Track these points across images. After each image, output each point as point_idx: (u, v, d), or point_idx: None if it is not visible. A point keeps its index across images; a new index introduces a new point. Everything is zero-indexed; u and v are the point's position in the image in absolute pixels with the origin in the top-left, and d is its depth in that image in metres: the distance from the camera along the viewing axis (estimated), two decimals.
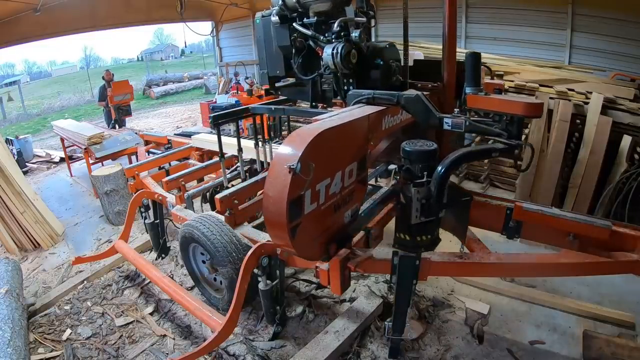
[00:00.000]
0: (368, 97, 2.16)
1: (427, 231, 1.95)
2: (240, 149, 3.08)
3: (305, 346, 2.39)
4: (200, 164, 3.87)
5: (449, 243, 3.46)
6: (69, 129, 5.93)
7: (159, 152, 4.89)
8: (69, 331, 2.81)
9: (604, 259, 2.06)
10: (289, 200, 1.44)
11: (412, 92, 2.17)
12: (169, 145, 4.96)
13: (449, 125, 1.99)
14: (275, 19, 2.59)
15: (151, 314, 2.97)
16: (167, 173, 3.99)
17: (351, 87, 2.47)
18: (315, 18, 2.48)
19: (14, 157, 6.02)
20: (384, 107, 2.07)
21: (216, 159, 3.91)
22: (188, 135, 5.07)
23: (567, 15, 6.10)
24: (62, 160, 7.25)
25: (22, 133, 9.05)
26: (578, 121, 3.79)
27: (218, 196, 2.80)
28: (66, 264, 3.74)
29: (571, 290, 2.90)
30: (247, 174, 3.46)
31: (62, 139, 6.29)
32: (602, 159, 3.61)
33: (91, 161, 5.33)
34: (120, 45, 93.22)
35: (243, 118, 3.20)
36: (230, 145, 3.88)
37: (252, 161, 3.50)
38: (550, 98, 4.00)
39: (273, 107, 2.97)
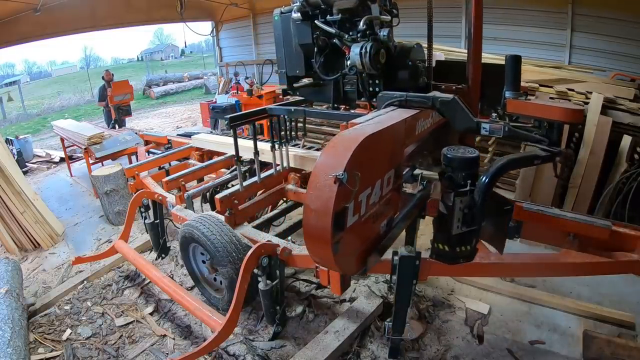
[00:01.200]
0: (400, 100, 2.06)
1: (467, 241, 1.86)
2: (256, 152, 2.95)
3: (305, 346, 2.39)
4: (200, 164, 3.87)
5: None
6: (69, 129, 5.93)
7: (159, 152, 4.89)
8: (69, 331, 2.81)
9: (604, 259, 2.07)
10: (334, 213, 1.32)
11: (446, 95, 2.10)
12: (169, 145, 4.96)
13: (486, 131, 1.91)
14: (296, 15, 2.50)
15: (151, 314, 2.97)
16: (167, 173, 3.98)
17: (377, 89, 2.39)
18: (340, 15, 2.39)
19: (14, 157, 6.02)
20: (418, 111, 1.96)
21: (216, 158, 3.92)
22: (189, 135, 5.07)
23: (567, 15, 6.09)
24: (62, 160, 7.25)
25: (22, 133, 9.05)
26: None
27: (218, 196, 2.80)
28: (66, 264, 3.74)
29: (571, 290, 2.90)
30: (246, 174, 3.46)
31: (62, 139, 6.29)
32: (602, 159, 3.61)
33: (91, 161, 5.33)
34: (120, 45, 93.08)
35: (260, 119, 3.03)
36: (229, 145, 3.89)
37: (252, 161, 3.49)
38: (550, 98, 4.00)
39: (293, 108, 2.84)
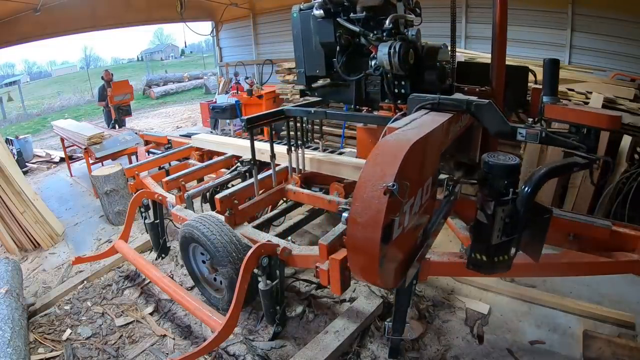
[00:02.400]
0: (433, 102, 1.96)
1: (505, 251, 1.80)
2: (272, 155, 2.89)
3: (305, 346, 2.39)
4: (200, 164, 3.88)
5: (449, 243, 3.47)
6: (69, 129, 5.93)
7: (159, 152, 4.89)
8: (69, 331, 2.81)
9: (604, 259, 2.06)
10: (384, 226, 1.25)
11: (477, 97, 2.03)
12: (169, 145, 4.96)
13: (522, 136, 1.86)
14: (319, 12, 2.41)
15: (151, 314, 2.97)
16: (167, 173, 3.99)
17: (402, 90, 2.33)
18: (364, 13, 2.32)
19: (14, 157, 6.02)
20: (451, 115, 1.86)
21: (216, 158, 3.92)
22: (191, 136, 5.07)
23: (567, 15, 6.09)
24: (62, 160, 7.26)
25: (22, 133, 9.05)
26: None
27: (218, 196, 2.80)
28: (66, 264, 3.74)
29: (571, 290, 2.90)
30: (246, 174, 3.45)
31: (62, 139, 6.30)
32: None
33: (91, 161, 5.34)
34: (120, 45, 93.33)
35: (277, 121, 2.93)
36: (229, 145, 3.90)
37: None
38: None
39: (312, 109, 2.72)
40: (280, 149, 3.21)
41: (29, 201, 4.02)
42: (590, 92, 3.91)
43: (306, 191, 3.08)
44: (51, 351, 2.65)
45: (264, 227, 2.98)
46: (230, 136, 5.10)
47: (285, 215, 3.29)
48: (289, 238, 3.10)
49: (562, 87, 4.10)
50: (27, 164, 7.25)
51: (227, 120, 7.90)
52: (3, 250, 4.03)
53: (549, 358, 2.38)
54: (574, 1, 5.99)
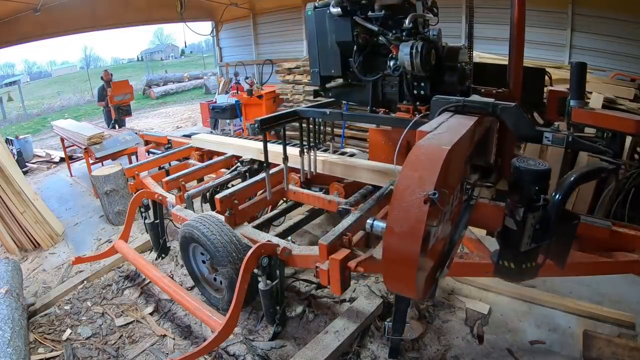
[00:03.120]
0: (457, 105, 1.90)
1: (533, 257, 1.75)
2: (285, 157, 2.85)
3: (305, 346, 2.39)
4: (200, 164, 3.87)
5: None
6: (69, 129, 5.93)
7: (159, 152, 4.89)
8: (69, 331, 2.81)
9: (604, 259, 2.06)
10: (424, 236, 1.19)
11: (505, 102, 1.97)
12: (169, 145, 4.96)
13: (549, 140, 1.82)
14: (336, 10, 2.35)
15: (151, 314, 2.97)
16: (167, 173, 3.98)
17: (422, 91, 2.30)
18: (383, 12, 2.27)
19: (14, 157, 6.02)
20: (477, 118, 1.80)
21: (216, 158, 3.92)
22: (191, 136, 5.07)
23: (567, 15, 6.09)
24: (62, 160, 7.26)
25: (22, 133, 9.05)
26: None
27: (218, 196, 2.80)
28: (66, 264, 3.74)
29: (571, 290, 2.90)
30: (247, 174, 3.46)
31: (62, 139, 6.30)
32: None
33: (91, 161, 5.34)
34: (120, 45, 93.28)
35: (290, 122, 2.83)
36: (229, 145, 3.90)
37: (252, 161, 3.50)
38: None
39: (328, 110, 2.65)
40: (290, 150, 3.17)
41: (29, 201, 4.02)
42: (590, 92, 3.91)
43: (306, 191, 3.08)
44: (51, 351, 2.65)
45: (264, 227, 2.99)
46: (230, 136, 5.09)
47: (285, 215, 3.29)
48: (289, 238, 3.10)
49: (562, 87, 4.10)
50: (27, 164, 7.25)
51: (227, 120, 7.91)
52: (3, 250, 4.03)
53: (549, 358, 2.38)
54: (574, 1, 5.99)
